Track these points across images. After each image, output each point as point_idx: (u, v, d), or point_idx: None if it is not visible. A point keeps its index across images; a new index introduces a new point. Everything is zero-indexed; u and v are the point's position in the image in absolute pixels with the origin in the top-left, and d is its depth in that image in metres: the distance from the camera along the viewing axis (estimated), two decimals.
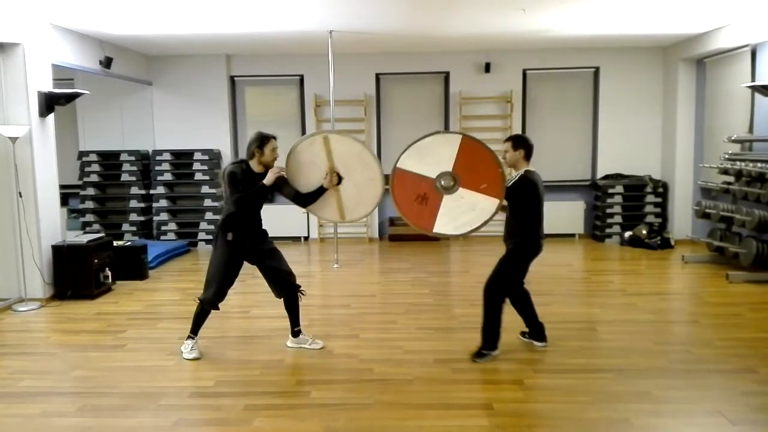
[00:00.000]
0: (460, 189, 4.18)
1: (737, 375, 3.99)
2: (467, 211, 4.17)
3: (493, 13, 6.64)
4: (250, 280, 7.19)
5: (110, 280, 6.52)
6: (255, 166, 4.29)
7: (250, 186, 4.21)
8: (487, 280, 4.36)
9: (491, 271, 4.37)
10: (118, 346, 4.79)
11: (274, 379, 4.09)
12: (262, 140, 4.25)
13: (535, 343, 4.61)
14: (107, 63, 7.62)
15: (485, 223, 4.16)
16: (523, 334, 4.72)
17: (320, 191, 4.40)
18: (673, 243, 8.57)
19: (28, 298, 6.01)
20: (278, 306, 4.60)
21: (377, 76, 9.46)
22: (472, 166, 4.17)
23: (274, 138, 4.33)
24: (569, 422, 3.42)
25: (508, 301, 4.46)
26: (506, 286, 4.38)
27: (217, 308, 4.42)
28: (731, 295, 6.02)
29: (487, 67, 9.17)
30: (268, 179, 4.22)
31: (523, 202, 4.24)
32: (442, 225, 4.23)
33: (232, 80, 9.51)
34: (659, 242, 8.52)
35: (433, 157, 4.22)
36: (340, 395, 3.81)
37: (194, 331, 4.47)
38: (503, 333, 4.37)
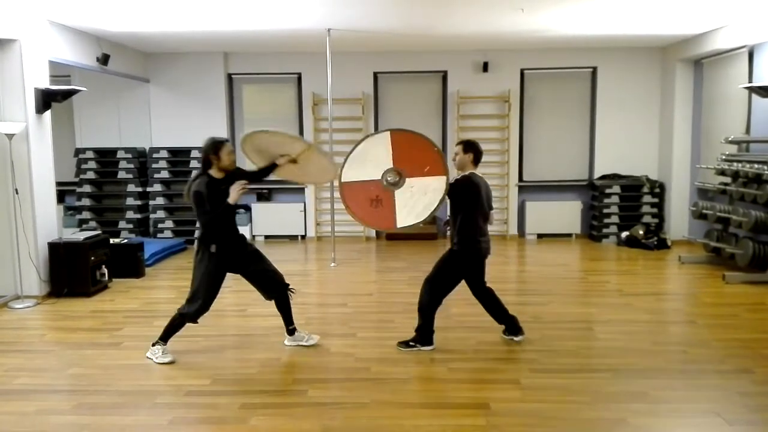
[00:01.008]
0: (407, 179, 4.27)
1: (734, 375, 4.00)
2: (422, 197, 4.25)
3: (492, 13, 6.63)
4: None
5: (106, 278, 6.50)
6: (215, 173, 4.22)
7: (217, 196, 4.11)
8: (426, 277, 4.51)
9: (432, 268, 4.51)
10: (115, 344, 4.77)
11: (271, 377, 4.08)
12: (216, 146, 4.22)
13: (514, 338, 4.67)
14: (104, 60, 7.60)
15: (443, 199, 4.25)
16: (504, 332, 4.78)
17: (273, 167, 4.59)
18: (669, 243, 8.59)
19: (24, 296, 5.99)
20: (274, 305, 4.59)
21: (375, 74, 9.45)
22: (410, 155, 4.29)
23: (227, 141, 4.32)
24: (566, 422, 3.43)
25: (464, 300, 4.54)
26: (442, 286, 4.47)
27: (197, 323, 4.35)
28: (728, 296, 6.03)
29: (485, 67, 9.16)
30: (232, 198, 4.13)
31: (463, 201, 4.35)
32: (404, 218, 4.29)
33: (229, 78, 9.49)
34: (656, 243, 8.53)
35: (371, 160, 4.32)
36: (337, 394, 3.81)
37: (165, 338, 4.37)
38: (499, 333, 4.38)
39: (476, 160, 4.47)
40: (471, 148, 4.47)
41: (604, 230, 9.04)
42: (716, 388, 3.82)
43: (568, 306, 5.84)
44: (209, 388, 3.90)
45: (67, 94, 6.41)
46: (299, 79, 9.48)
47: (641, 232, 8.69)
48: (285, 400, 3.71)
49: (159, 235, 9.08)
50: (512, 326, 4.67)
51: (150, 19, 6.79)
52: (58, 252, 6.18)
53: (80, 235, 6.46)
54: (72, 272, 6.17)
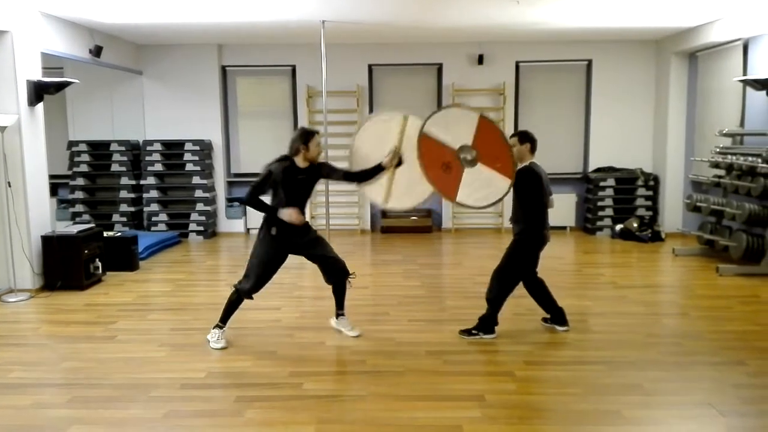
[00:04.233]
0: (479, 164, 4.31)
1: (727, 367, 4.02)
2: (484, 187, 4.31)
3: (487, 5, 6.61)
4: (241, 271, 7.17)
5: (100, 271, 6.48)
6: (300, 161, 4.31)
7: (292, 183, 4.25)
8: (495, 268, 4.55)
9: (500, 260, 4.55)
10: (109, 338, 4.76)
11: (266, 370, 4.08)
12: (307, 136, 4.29)
13: (557, 327, 4.75)
14: (97, 52, 7.54)
15: (499, 200, 4.32)
16: (545, 320, 4.86)
17: (377, 170, 4.44)
18: (663, 236, 8.61)
19: (18, 289, 5.96)
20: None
21: (370, 67, 9.42)
22: (489, 145, 4.32)
23: (318, 133, 4.38)
24: (560, 414, 3.44)
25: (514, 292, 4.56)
26: (512, 275, 4.54)
27: (251, 298, 4.46)
28: (721, 288, 6.05)
29: (480, 59, 9.14)
30: (284, 215, 4.24)
31: (526, 192, 4.40)
32: (465, 196, 4.34)
33: (223, 70, 9.44)
34: (650, 235, 8.56)
35: (455, 128, 4.34)
36: (333, 387, 3.82)
37: (224, 320, 4.51)
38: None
39: (533, 149, 4.50)
40: (527, 138, 4.51)
41: (599, 223, 9.06)
42: (710, 379, 3.84)
43: (563, 298, 5.80)
44: (204, 382, 3.90)
45: (60, 87, 6.36)
46: (293, 71, 9.44)
47: (635, 225, 8.72)
48: (280, 393, 3.71)
49: (153, 228, 9.05)
50: (559, 317, 4.75)
51: (143, 11, 6.74)
52: (52, 245, 6.15)
53: (74, 228, 6.43)
54: (65, 265, 6.14)
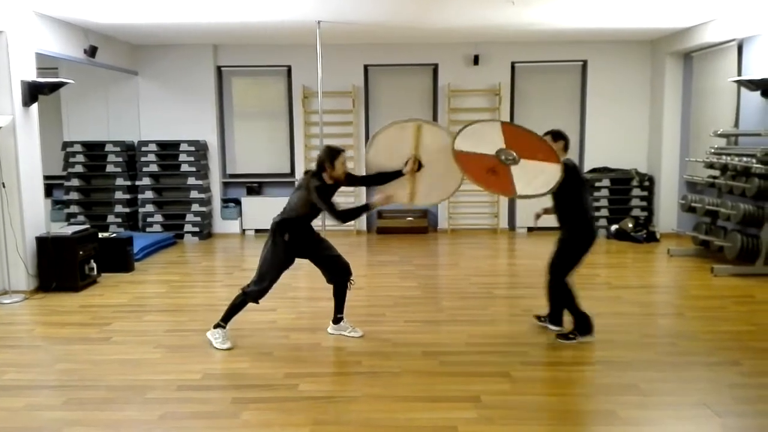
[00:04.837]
0: (522, 160, 4.33)
1: (722, 367, 4.03)
2: (538, 175, 4.30)
3: (483, 5, 6.62)
4: (238, 272, 7.18)
5: (95, 272, 6.46)
6: (326, 178, 4.34)
7: (323, 197, 4.28)
8: (549, 271, 4.56)
9: (551, 259, 4.57)
10: (104, 339, 4.74)
11: (262, 372, 4.07)
12: (332, 155, 4.31)
13: (551, 326, 4.75)
14: (92, 52, 7.52)
15: (558, 183, 4.24)
16: (539, 318, 4.86)
17: (396, 175, 4.49)
18: (658, 236, 8.64)
19: (12, 290, 5.94)
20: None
21: (365, 67, 9.41)
22: (521, 143, 4.40)
23: (343, 151, 4.41)
24: (556, 414, 3.45)
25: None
26: (567, 271, 4.52)
27: (257, 303, 4.49)
28: (716, 289, 6.07)
29: (476, 60, 9.15)
30: (377, 200, 4.41)
31: (570, 187, 4.34)
32: (522, 188, 4.30)
33: (219, 70, 9.42)
34: (645, 235, 8.58)
35: (484, 139, 4.39)
36: (329, 388, 3.81)
37: (226, 320, 4.52)
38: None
39: (566, 147, 4.53)
40: (560, 136, 4.54)
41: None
42: (705, 380, 3.85)
43: None
44: (200, 383, 3.89)
45: (55, 87, 6.34)
46: (289, 71, 9.43)
47: (630, 225, 8.74)
48: (276, 395, 3.71)
49: (148, 230, 9.03)
50: (556, 317, 4.75)
51: (138, 11, 6.72)
52: (46, 246, 6.13)
53: (68, 230, 6.40)
54: (60, 267, 6.12)
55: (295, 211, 4.39)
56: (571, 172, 4.34)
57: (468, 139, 4.38)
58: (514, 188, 4.30)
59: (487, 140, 4.39)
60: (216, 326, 4.51)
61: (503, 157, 4.34)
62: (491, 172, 4.32)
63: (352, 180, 4.57)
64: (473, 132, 4.46)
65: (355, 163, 9.03)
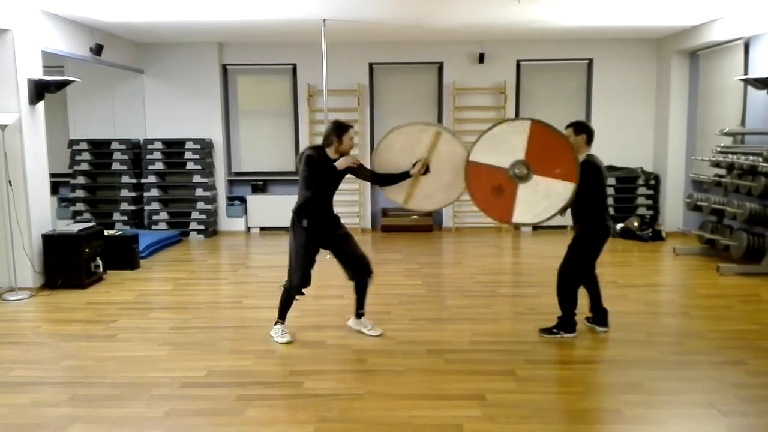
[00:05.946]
0: (534, 176, 4.20)
1: (728, 366, 4.02)
2: (543, 199, 4.20)
3: (488, 4, 6.60)
4: (242, 270, 7.19)
5: (101, 270, 6.48)
6: (331, 153, 4.35)
7: (325, 169, 4.30)
8: (559, 265, 4.51)
9: (563, 256, 4.51)
10: (110, 336, 4.76)
11: (267, 369, 4.08)
12: (341, 129, 4.33)
13: (597, 328, 4.72)
14: (98, 50, 7.54)
15: (563, 208, 4.19)
16: (587, 319, 4.81)
17: (403, 176, 4.47)
18: (664, 235, 8.61)
19: (18, 288, 5.96)
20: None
21: (371, 65, 9.41)
22: (545, 152, 4.19)
23: (352, 127, 4.43)
24: (561, 413, 3.45)
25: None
26: (578, 270, 4.50)
27: (303, 294, 4.51)
28: (722, 287, 6.05)
29: (481, 58, 9.13)
30: (340, 164, 4.29)
31: (587, 186, 4.26)
32: (521, 214, 4.27)
33: (224, 69, 9.44)
34: (651, 234, 8.55)
35: (504, 146, 4.24)
36: (333, 386, 3.81)
37: (282, 316, 4.57)
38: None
39: (590, 141, 4.39)
40: (583, 129, 4.40)
41: None
42: (710, 379, 3.84)
43: None
44: (205, 380, 3.90)
45: (61, 85, 6.35)
46: (294, 70, 9.43)
47: (636, 224, 8.71)
48: (281, 392, 3.71)
49: (154, 227, 9.05)
50: (601, 317, 4.71)
51: (144, 9, 6.74)
52: (52, 244, 6.15)
53: (74, 227, 6.42)
54: (66, 264, 6.14)
55: (302, 194, 4.37)
56: (590, 170, 4.27)
57: (486, 147, 4.27)
58: (512, 213, 4.26)
59: (507, 147, 4.23)
60: (276, 323, 4.58)
61: (514, 173, 4.22)
62: (496, 191, 4.26)
63: (363, 172, 4.54)
64: (494, 136, 4.29)
65: (360, 160, 9.02)
